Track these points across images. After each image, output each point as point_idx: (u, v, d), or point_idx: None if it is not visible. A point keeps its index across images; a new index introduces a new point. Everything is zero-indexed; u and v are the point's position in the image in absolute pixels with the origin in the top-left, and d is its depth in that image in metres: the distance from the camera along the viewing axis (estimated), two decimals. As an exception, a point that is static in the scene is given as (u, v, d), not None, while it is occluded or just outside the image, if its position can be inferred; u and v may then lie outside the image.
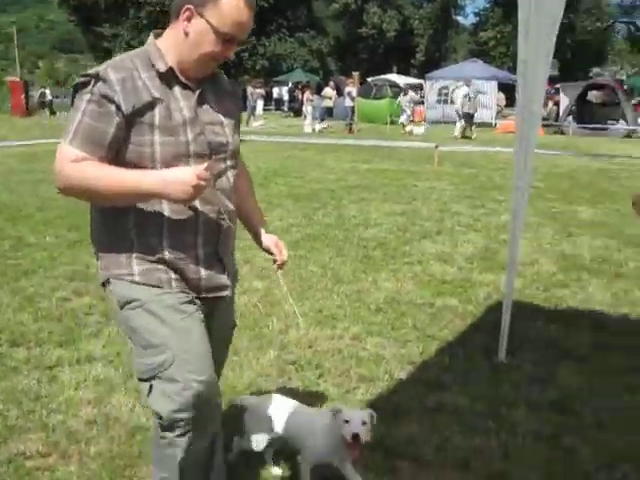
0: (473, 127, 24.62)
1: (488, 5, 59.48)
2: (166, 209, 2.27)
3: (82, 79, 2.21)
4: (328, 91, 32.30)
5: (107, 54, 48.58)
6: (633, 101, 30.55)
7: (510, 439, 3.57)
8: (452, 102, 29.36)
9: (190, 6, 2.20)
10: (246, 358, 4.50)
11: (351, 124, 26.81)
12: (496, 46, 54.58)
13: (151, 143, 2.20)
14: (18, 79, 41.15)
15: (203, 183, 2.12)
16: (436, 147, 15.52)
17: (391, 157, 17.05)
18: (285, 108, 41.79)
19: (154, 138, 2.20)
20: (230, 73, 35.48)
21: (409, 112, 27.63)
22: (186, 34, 2.24)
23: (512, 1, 4.36)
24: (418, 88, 36.93)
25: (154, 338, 2.28)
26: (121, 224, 2.30)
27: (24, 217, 9.01)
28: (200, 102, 2.32)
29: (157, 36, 2.37)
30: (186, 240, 2.32)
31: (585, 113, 27.40)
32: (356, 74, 28.04)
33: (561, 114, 28.51)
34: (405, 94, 28.47)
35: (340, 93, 32.35)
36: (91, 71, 2.20)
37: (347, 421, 2.78)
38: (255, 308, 5.47)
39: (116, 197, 2.20)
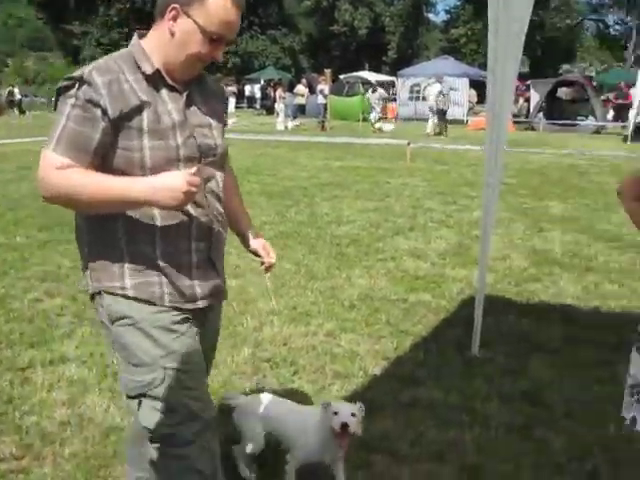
0: (445, 124, 24.74)
1: (459, 2, 59.80)
2: (157, 215, 2.19)
3: (66, 82, 2.11)
4: (300, 88, 32.29)
5: (77, 52, 48.23)
6: (602, 97, 30.91)
7: (483, 432, 3.61)
8: (424, 99, 29.50)
9: (176, 5, 2.12)
10: (220, 356, 4.48)
11: (323, 121, 26.84)
12: (467, 43, 54.92)
13: (140, 148, 2.12)
14: (-15, 78, 40.62)
15: (194, 189, 2.06)
16: (408, 144, 15.59)
17: (363, 154, 17.10)
18: (257, 106, 41.72)
19: (143, 143, 2.12)
20: (202, 71, 35.18)
21: (378, 109, 27.69)
22: (172, 34, 2.16)
23: (482, -2, 4.40)
24: (390, 85, 37.07)
25: (145, 357, 2.22)
26: (110, 232, 2.22)
27: (-6, 217, 8.91)
28: (188, 104, 2.25)
29: (141, 36, 2.28)
30: (180, 246, 2.25)
31: (555, 109, 27.72)
32: (328, 71, 28.09)
33: (532, 110, 28.83)
34: (374, 91, 28.51)
35: (312, 91, 32.40)
36: (75, 74, 2.11)
37: (336, 413, 2.80)
38: (229, 306, 5.46)
39: (103, 205, 2.12)
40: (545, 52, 53.98)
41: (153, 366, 2.21)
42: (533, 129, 26.95)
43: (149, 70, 2.17)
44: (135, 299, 2.23)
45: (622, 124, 25.82)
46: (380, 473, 3.20)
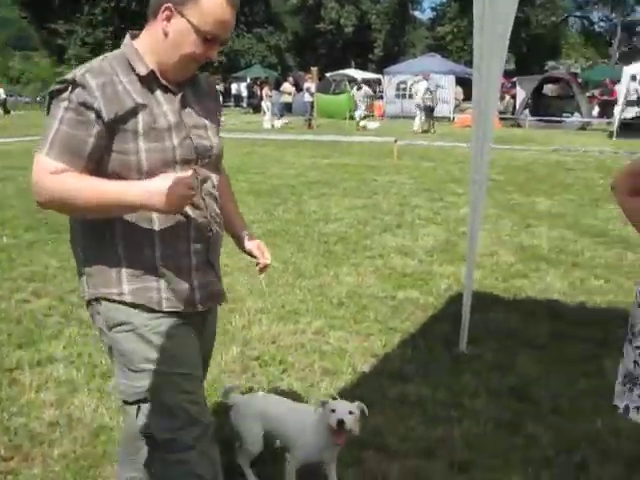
0: (433, 121, 24.80)
1: (445, 0, 59.89)
2: (155, 217, 2.16)
3: (58, 85, 2.07)
4: (287, 87, 32.26)
5: (61, 51, 47.93)
6: (587, 94, 31.05)
7: (472, 427, 3.63)
8: (410, 97, 29.56)
9: (169, 5, 2.08)
10: (209, 355, 4.49)
11: (310, 119, 26.83)
12: (453, 40, 54.97)
13: (136, 151, 2.08)
14: (-30, 78, 40.32)
15: (191, 192, 2.03)
16: (395, 141, 15.62)
17: (351, 152, 17.11)
18: (244, 104, 41.59)
19: (139, 145, 2.08)
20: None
21: (363, 107, 27.70)
22: (165, 34, 2.12)
23: (467, -4, 4.41)
24: (376, 83, 37.08)
25: (144, 363, 2.19)
26: (106, 237, 2.18)
27: (-20, 218, 8.85)
28: (183, 105, 2.21)
29: (134, 37, 2.23)
30: (179, 248, 2.22)
31: (541, 106, 27.87)
32: (315, 69, 28.06)
33: (518, 107, 28.92)
34: (359, 89, 28.51)
35: (299, 89, 32.34)
36: (68, 76, 2.07)
37: (334, 410, 2.81)
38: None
39: (99, 210, 2.07)
40: (530, 49, 54.13)
41: (152, 372, 2.19)
42: (519, 126, 27.05)
43: (143, 71, 2.14)
44: (133, 305, 2.20)
45: (607, 120, 25.96)
46: (370, 470, 3.21)
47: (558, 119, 26.90)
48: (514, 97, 30.75)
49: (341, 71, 38.67)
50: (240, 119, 32.24)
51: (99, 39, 46.34)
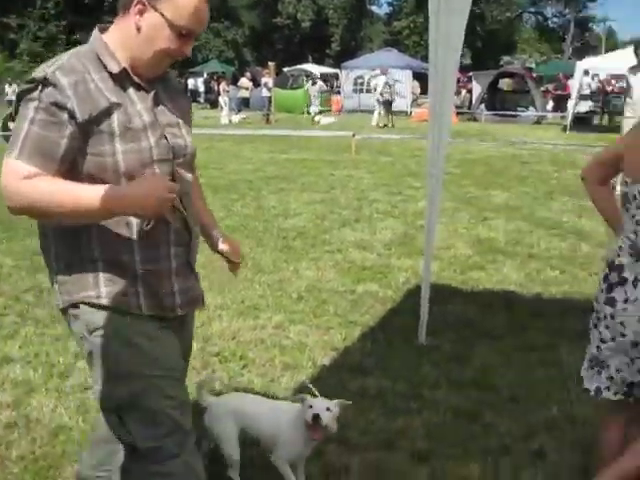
0: (391, 115, 24.91)
1: (401, -5, 60.19)
2: (134, 221, 2.07)
3: (27, 85, 1.97)
4: (244, 82, 32.11)
5: (13, 46, 46.94)
6: (542, 88, 31.49)
7: (432, 418, 3.68)
8: (368, 91, 29.66)
9: None
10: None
11: (268, 115, 26.75)
12: (410, 35, 55.26)
13: (112, 152, 1.99)
14: None
15: (172, 195, 1.98)
16: (353, 136, 15.66)
17: (309, 147, 17.11)
18: (201, 99, 41.25)
19: (115, 147, 1.99)
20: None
21: (317, 102, 27.70)
22: (138, 29, 2.02)
23: (423, -9, 4.45)
24: (334, 77, 37.12)
25: (125, 366, 2.12)
26: (82, 242, 2.08)
27: None
28: (156, 103, 2.13)
29: (102, 31, 2.12)
30: (160, 253, 2.15)
31: (496, 100, 28.19)
32: (272, 64, 28.01)
33: (474, 102, 29.19)
34: (314, 84, 28.49)
35: (256, 84, 32.22)
36: (37, 75, 1.96)
37: (311, 406, 2.81)
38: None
39: (74, 215, 1.98)
40: (486, 44, 54.77)
41: (133, 376, 2.12)
42: (475, 120, 27.32)
43: (115, 69, 2.05)
44: (111, 308, 2.12)
45: (561, 114, 26.33)
46: (331, 463, 3.22)
47: (513, 113, 27.24)
48: (470, 92, 31.01)
49: (299, 66, 38.59)
50: (197, 114, 31.93)
51: (52, 33, 45.55)
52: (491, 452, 3.35)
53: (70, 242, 2.10)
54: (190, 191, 2.26)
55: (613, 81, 26.21)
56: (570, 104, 23.75)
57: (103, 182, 1.99)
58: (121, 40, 2.07)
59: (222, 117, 27.03)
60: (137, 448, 2.14)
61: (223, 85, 29.26)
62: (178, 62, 2.22)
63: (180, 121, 2.22)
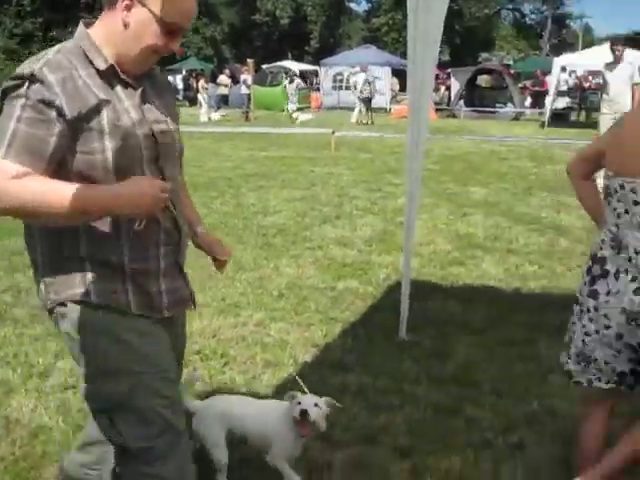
0: (371, 112, 24.93)
1: (380, -8, 60.27)
2: (123, 220, 2.04)
3: (12, 82, 1.91)
4: (223, 79, 31.95)
5: (-12, 43, 46.45)
6: (520, 85, 31.70)
7: (414, 413, 3.69)
8: (347, 88, 29.70)
9: None
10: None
11: (247, 112, 26.67)
12: (389, 32, 55.38)
13: (102, 150, 1.96)
14: None
15: (165, 195, 1.96)
16: (333, 133, 15.67)
17: (288, 144, 17.09)
18: (180, 97, 41.09)
19: (105, 144, 1.96)
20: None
21: (294, 99, 27.66)
22: (125, 25, 1.99)
23: (401, -12, 4.46)
24: (313, 75, 37.10)
25: (114, 363, 2.08)
26: (69, 241, 2.05)
27: None
28: (143, 100, 2.09)
29: (87, 26, 2.07)
30: (150, 254, 2.12)
31: (475, 97, 28.31)
32: (251, 61, 27.91)
33: (452, 98, 29.32)
34: (291, 82, 28.45)
35: (235, 81, 32.12)
36: (24, 71, 1.90)
37: (299, 403, 2.81)
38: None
39: (65, 216, 1.92)
40: (464, 41, 55.00)
41: (123, 374, 2.08)
42: (454, 116, 27.43)
43: (102, 65, 2.01)
44: (100, 306, 2.08)
45: (539, 110, 26.54)
46: (314, 459, 3.23)
47: (492, 109, 27.38)
48: (449, 88, 31.17)
49: (278, 63, 38.53)
50: (176, 112, 31.83)
51: (28, 30, 45.03)
52: (472, 446, 3.37)
53: (57, 241, 2.07)
54: (178, 189, 2.24)
55: (590, 77, 26.41)
56: (548, 100, 23.95)
57: (92, 180, 1.96)
58: (107, 36, 2.03)
59: (201, 114, 26.91)
60: (128, 449, 2.11)
61: (202, 82, 29.09)
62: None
63: (168, 118, 2.18)
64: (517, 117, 26.93)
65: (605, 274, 2.57)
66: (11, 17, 46.21)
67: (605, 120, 10.52)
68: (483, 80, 30.10)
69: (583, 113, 26.56)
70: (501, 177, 12.01)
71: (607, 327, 2.56)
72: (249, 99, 26.64)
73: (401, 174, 11.04)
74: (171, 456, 2.12)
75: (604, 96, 10.79)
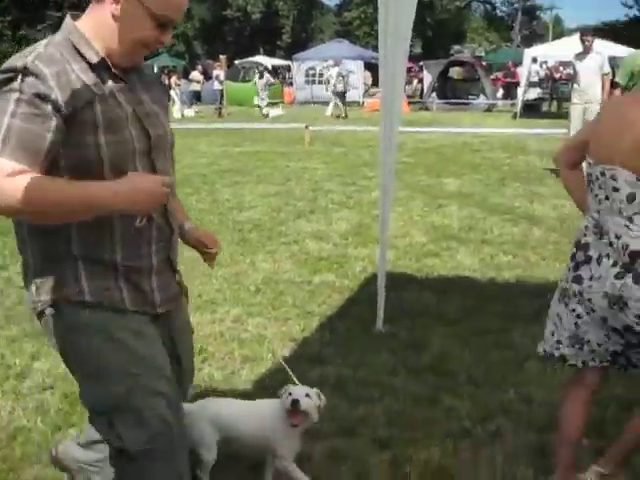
0: (345, 106, 24.93)
1: (350, -15, 60.23)
2: (116, 218, 2.01)
3: (4, 75, 1.85)
4: (195, 75, 31.79)
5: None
6: (491, 76, 31.87)
7: (393, 404, 3.72)
8: (320, 82, 29.69)
9: None
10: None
11: (220, 108, 26.56)
12: (360, 26, 55.41)
13: (95, 144, 1.92)
14: None
15: (167, 190, 1.94)
16: (306, 127, 15.66)
17: (262, 139, 17.05)
18: (152, 94, 40.89)
19: (99, 138, 1.93)
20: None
21: (264, 95, 27.59)
22: (115, 18, 1.95)
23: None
24: (286, 69, 37.01)
25: (110, 365, 2.05)
26: (61, 241, 2.01)
27: None
28: (133, 94, 2.08)
29: (75, 18, 2.03)
30: (142, 251, 2.10)
31: (447, 89, 28.46)
32: (223, 57, 27.78)
33: (425, 91, 29.40)
34: (261, 77, 28.38)
35: (208, 77, 31.96)
36: (16, 64, 1.85)
37: (290, 394, 2.82)
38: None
39: (63, 214, 1.90)
40: (436, 33, 55.19)
41: (119, 374, 2.05)
42: (427, 109, 27.51)
43: (94, 59, 1.98)
44: (94, 304, 2.05)
45: (511, 102, 26.70)
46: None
47: (464, 101, 27.54)
48: (421, 81, 31.25)
49: (250, 58, 38.40)
50: (148, 109, 31.62)
51: (-2, 28, 44.63)
52: (451, 435, 3.40)
53: (48, 241, 2.04)
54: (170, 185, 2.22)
55: (561, 68, 26.60)
56: (519, 91, 24.10)
57: (86, 174, 1.93)
58: (95, 29, 2.00)
59: (175, 111, 26.72)
60: (126, 450, 2.08)
61: (174, 79, 28.90)
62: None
63: (159, 111, 2.17)
64: (489, 109, 27.07)
65: (588, 260, 2.61)
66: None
67: (576, 110, 10.62)
68: (455, 72, 30.29)
69: (554, 103, 26.79)
70: (475, 168, 12.09)
71: (593, 310, 2.60)
72: (222, 95, 26.52)
73: (375, 167, 11.04)
74: (169, 457, 2.11)
75: (574, 86, 10.88)
